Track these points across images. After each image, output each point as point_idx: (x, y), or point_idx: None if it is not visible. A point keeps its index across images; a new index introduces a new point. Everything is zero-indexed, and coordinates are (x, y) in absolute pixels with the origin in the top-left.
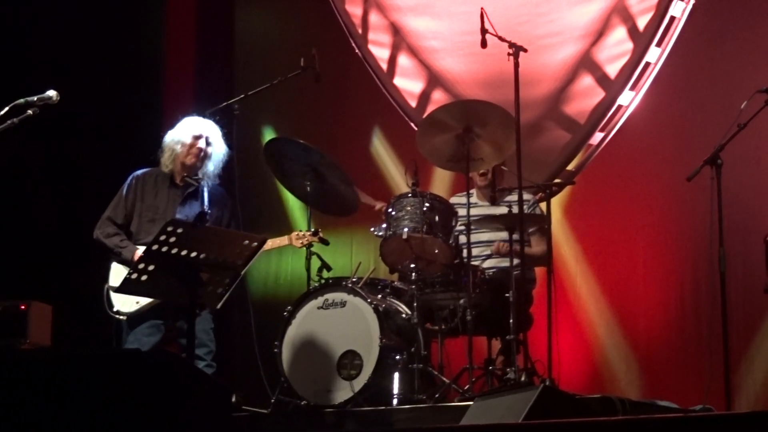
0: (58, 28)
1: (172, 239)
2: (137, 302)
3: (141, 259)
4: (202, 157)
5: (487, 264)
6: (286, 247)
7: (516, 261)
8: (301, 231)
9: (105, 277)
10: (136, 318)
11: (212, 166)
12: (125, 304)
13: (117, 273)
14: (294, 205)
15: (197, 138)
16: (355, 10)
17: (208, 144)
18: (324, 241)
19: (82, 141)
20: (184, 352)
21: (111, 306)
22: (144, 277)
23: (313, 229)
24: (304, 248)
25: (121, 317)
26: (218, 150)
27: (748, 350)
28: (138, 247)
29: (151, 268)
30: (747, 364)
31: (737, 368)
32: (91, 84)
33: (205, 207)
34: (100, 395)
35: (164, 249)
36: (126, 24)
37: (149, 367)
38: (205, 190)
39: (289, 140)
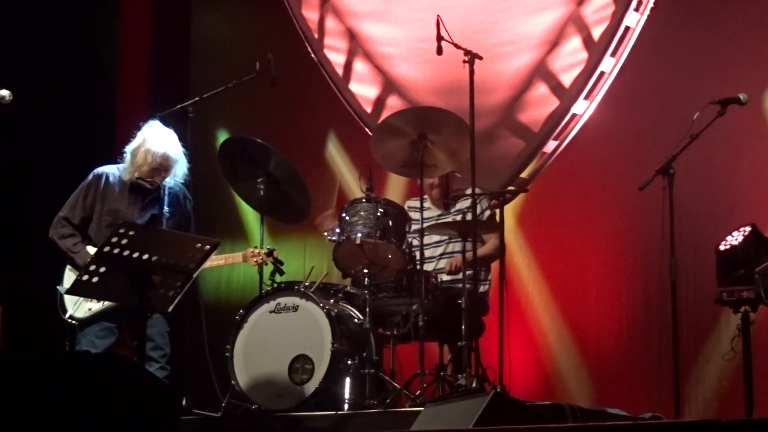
0: (11, 27)
1: (124, 241)
2: (89, 309)
3: (92, 260)
4: (162, 178)
5: (440, 264)
6: (240, 249)
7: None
8: (256, 248)
9: (59, 278)
10: (88, 321)
11: (173, 179)
12: (79, 309)
13: (71, 276)
14: (248, 209)
15: (156, 169)
16: (311, 15)
17: (167, 172)
18: (278, 263)
19: (35, 141)
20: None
21: (64, 310)
22: (95, 279)
23: (268, 249)
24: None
25: (74, 322)
26: (180, 171)
27: (698, 359)
28: (92, 252)
29: (102, 269)
30: (696, 372)
31: (687, 377)
32: (45, 84)
33: (165, 211)
34: (49, 397)
35: (116, 251)
36: (81, 25)
37: (99, 369)
38: (166, 193)
39: (249, 140)
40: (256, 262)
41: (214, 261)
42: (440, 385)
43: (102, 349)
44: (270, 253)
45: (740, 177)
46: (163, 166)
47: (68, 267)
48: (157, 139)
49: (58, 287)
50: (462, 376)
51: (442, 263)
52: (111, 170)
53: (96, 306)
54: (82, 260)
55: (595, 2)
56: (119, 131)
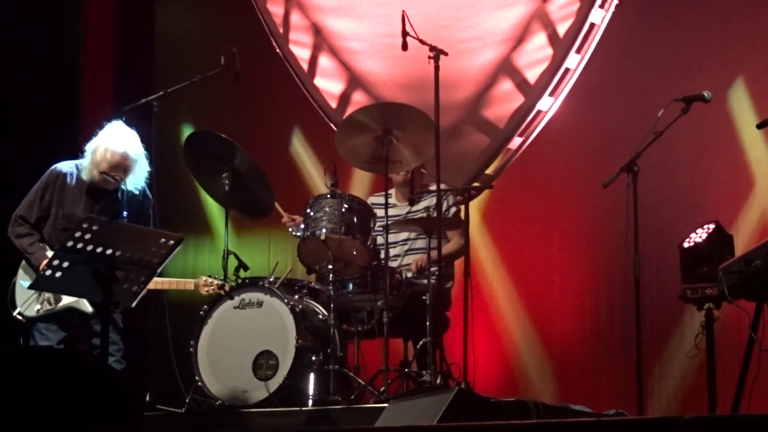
0: None
1: (88, 236)
2: (38, 310)
3: (55, 255)
4: (118, 182)
5: (405, 261)
6: (204, 245)
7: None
8: (209, 278)
9: (13, 272)
10: (37, 320)
11: (132, 182)
12: (29, 308)
13: (26, 271)
14: (212, 205)
15: (115, 168)
16: (276, 10)
17: (126, 173)
18: (228, 296)
19: None
20: (95, 351)
21: (14, 306)
22: (58, 274)
23: (220, 281)
24: (221, 252)
25: (22, 319)
26: (139, 174)
27: (661, 356)
28: (48, 253)
29: (65, 264)
30: (660, 369)
31: (650, 373)
32: (8, 79)
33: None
34: (9, 393)
35: (79, 245)
36: (43, 18)
37: (61, 364)
38: (125, 196)
39: (214, 135)
40: (207, 291)
41: (166, 284)
42: (404, 382)
43: (55, 342)
44: (222, 287)
45: (704, 174)
46: (122, 165)
47: (23, 262)
48: (117, 137)
49: (14, 280)
50: (426, 373)
51: (408, 260)
52: (69, 169)
53: (45, 307)
54: (37, 261)
55: None
56: (83, 126)
